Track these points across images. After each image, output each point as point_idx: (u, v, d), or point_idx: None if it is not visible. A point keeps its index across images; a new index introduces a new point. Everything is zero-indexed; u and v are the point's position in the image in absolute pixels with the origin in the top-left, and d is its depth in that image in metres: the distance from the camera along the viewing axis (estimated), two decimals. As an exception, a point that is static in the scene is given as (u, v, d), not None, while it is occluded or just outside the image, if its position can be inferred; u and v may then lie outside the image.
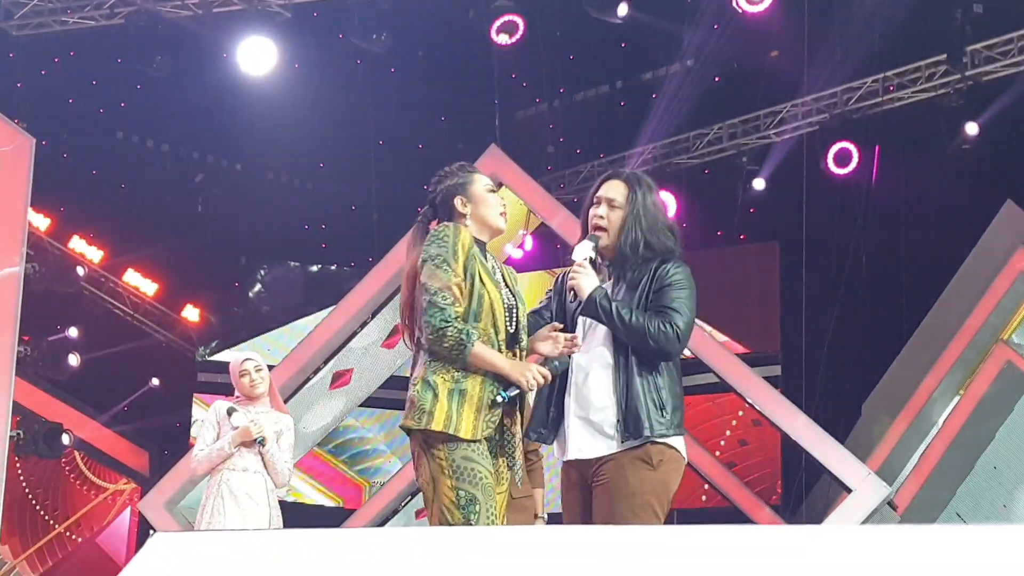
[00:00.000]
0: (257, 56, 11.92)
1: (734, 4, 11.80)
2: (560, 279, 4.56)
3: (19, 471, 13.99)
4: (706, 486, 11.20)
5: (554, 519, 5.96)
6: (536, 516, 6.83)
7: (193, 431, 14.11)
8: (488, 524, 4.00)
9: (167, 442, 14.22)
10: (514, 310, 4.23)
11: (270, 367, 7.13)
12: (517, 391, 4.11)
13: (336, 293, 11.13)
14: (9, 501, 11.20)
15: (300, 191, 15.73)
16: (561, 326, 4.34)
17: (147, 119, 14.29)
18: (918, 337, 11.44)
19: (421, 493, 4.17)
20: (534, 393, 4.25)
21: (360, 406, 10.83)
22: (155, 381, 14.88)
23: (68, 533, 14.59)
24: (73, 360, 13.21)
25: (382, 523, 9.95)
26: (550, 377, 4.17)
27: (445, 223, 4.21)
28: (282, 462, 6.60)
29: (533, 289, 12.18)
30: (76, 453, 14.34)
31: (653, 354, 4.29)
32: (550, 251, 13.39)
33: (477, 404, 4.07)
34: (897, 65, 12.43)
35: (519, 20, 12.65)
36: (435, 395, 4.05)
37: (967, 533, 3.18)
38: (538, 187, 10.14)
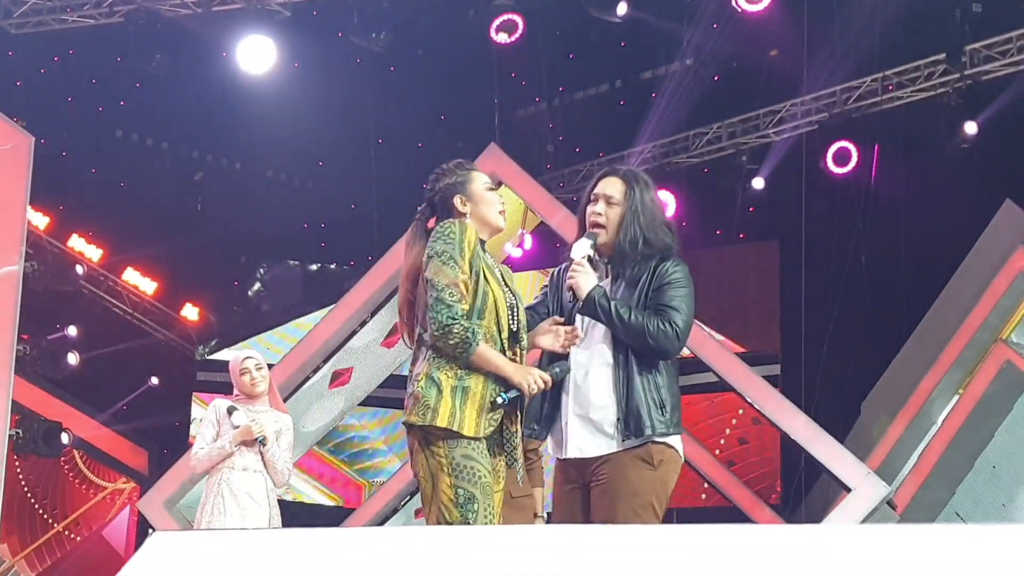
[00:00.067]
0: (257, 55, 11.92)
1: (733, 3, 11.79)
2: (555, 275, 4.55)
3: (18, 470, 14.00)
4: (706, 485, 11.20)
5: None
6: (536, 515, 6.83)
7: (192, 430, 14.10)
8: (486, 523, 4.00)
9: (166, 441, 14.22)
10: (515, 309, 4.22)
11: (269, 366, 7.12)
12: (517, 394, 4.11)
13: (335, 292, 11.14)
14: (8, 500, 11.20)
15: (300, 190, 15.73)
16: (562, 319, 4.33)
17: (146, 118, 14.29)
18: (917, 336, 11.45)
19: (420, 491, 4.16)
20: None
21: (360, 405, 10.83)
22: (154, 380, 14.87)
23: (67, 532, 14.59)
24: (72, 359, 13.20)
25: (381, 522, 9.94)
26: (551, 383, 4.17)
27: (450, 220, 4.18)
28: (282, 461, 6.60)
29: (531, 288, 12.18)
30: (75, 452, 14.34)
31: (652, 353, 4.28)
32: (550, 250, 13.39)
33: (480, 402, 4.07)
34: (896, 64, 12.43)
35: (519, 19, 12.64)
36: (439, 391, 4.04)
37: (966, 532, 3.17)
38: (538, 186, 10.14)
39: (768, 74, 13.01)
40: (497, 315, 4.15)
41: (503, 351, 4.14)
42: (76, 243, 14.10)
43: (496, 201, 4.32)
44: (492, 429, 4.10)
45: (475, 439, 4.05)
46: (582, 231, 4.47)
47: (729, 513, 10.59)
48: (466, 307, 4.08)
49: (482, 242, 4.26)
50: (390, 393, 9.70)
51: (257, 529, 6.12)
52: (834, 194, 12.31)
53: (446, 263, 4.07)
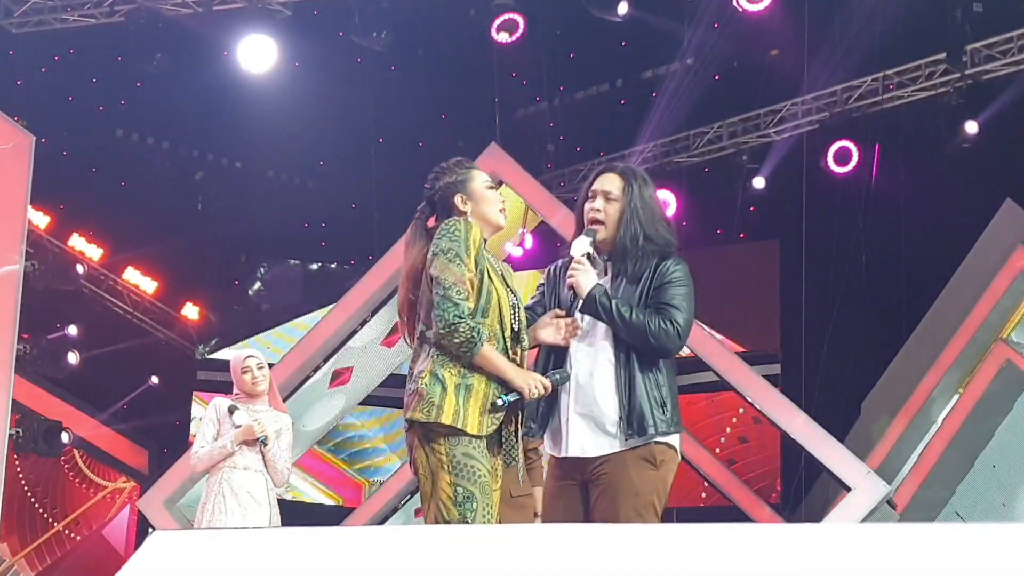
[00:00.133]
0: (257, 54, 11.92)
1: (734, 3, 11.79)
2: (552, 271, 4.53)
3: (18, 469, 14.00)
4: (706, 484, 11.21)
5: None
6: (536, 515, 6.82)
7: (192, 429, 14.10)
8: (484, 522, 4.00)
9: (166, 440, 14.22)
10: (516, 309, 4.22)
11: (270, 365, 7.12)
12: (517, 397, 4.11)
13: (336, 291, 11.14)
14: (8, 499, 11.21)
15: (300, 189, 15.73)
16: (563, 312, 4.32)
17: (147, 117, 14.29)
18: (917, 336, 11.45)
19: (419, 489, 4.15)
20: None
21: (360, 404, 10.83)
22: (155, 379, 14.87)
23: (67, 531, 14.59)
24: (72, 358, 13.19)
25: (381, 521, 9.95)
26: (550, 390, 4.17)
27: (454, 218, 4.17)
28: (282, 461, 6.60)
29: (532, 288, 12.17)
30: (75, 451, 14.34)
31: (653, 352, 4.28)
32: (550, 249, 13.38)
33: (483, 400, 4.07)
34: (897, 64, 12.42)
35: (519, 18, 12.64)
36: (443, 388, 4.04)
37: (966, 532, 3.17)
38: (538, 185, 10.15)
39: (769, 73, 13.01)
40: (500, 314, 4.15)
41: (505, 350, 4.14)
42: (76, 242, 14.10)
43: (497, 199, 4.32)
44: (494, 428, 4.10)
45: (477, 437, 4.05)
46: (580, 228, 4.46)
47: (729, 512, 10.59)
48: (472, 305, 4.07)
49: (484, 241, 4.26)
50: (390, 392, 9.69)
51: (256, 528, 6.12)
52: (834, 194, 12.31)
53: (452, 260, 4.06)
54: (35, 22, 12.07)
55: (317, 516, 14.19)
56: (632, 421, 4.22)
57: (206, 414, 6.76)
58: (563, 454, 4.34)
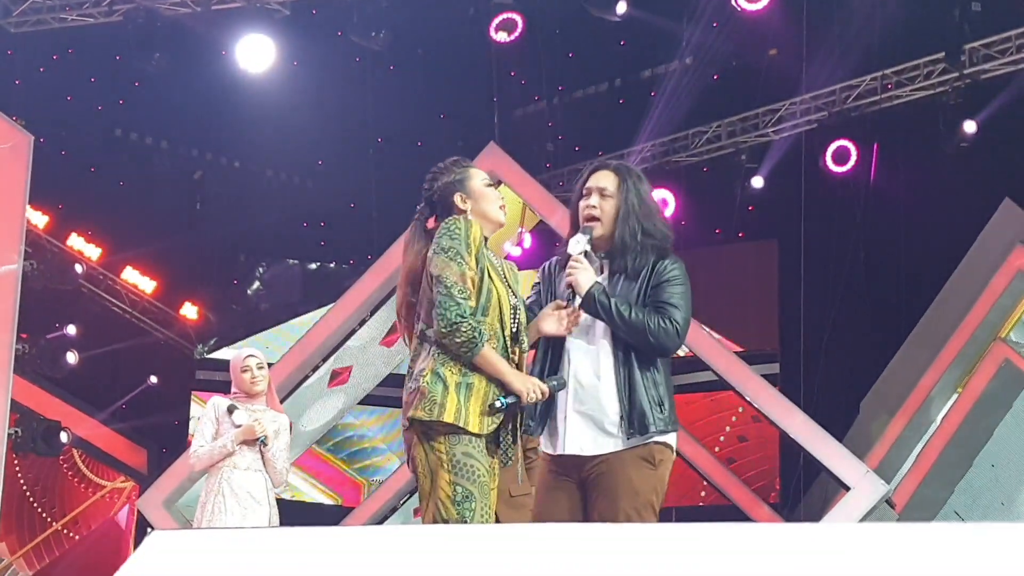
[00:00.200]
0: (256, 53, 11.92)
1: (733, 2, 11.80)
2: (547, 268, 4.52)
3: (17, 469, 13.98)
4: (705, 483, 11.21)
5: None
6: (534, 514, 6.82)
7: (191, 428, 14.09)
8: (482, 522, 3.99)
9: (165, 440, 14.21)
10: (517, 310, 4.21)
11: (269, 365, 7.12)
12: (515, 400, 4.10)
13: (335, 291, 11.15)
14: (7, 499, 11.19)
15: (299, 189, 15.72)
16: (564, 304, 4.30)
17: (145, 116, 14.28)
18: (916, 335, 11.45)
19: (417, 487, 4.15)
20: None
21: (358, 404, 10.83)
22: (153, 379, 14.86)
23: (65, 531, 14.58)
24: (71, 358, 13.18)
25: (380, 521, 9.95)
26: (548, 395, 4.16)
27: (455, 216, 4.16)
28: (281, 461, 6.60)
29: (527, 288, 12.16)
30: (74, 451, 14.33)
31: (652, 350, 4.27)
32: (549, 249, 13.37)
33: (483, 399, 4.06)
34: (896, 63, 12.42)
35: (518, 18, 12.65)
36: (445, 387, 4.03)
37: (965, 531, 3.18)
38: (537, 185, 10.16)
39: (767, 73, 13.01)
40: (500, 313, 4.14)
41: (505, 349, 4.13)
42: (75, 242, 14.09)
43: (496, 197, 4.31)
44: (494, 428, 4.10)
45: (477, 436, 4.05)
46: (575, 227, 4.43)
47: (728, 512, 10.60)
48: (473, 304, 4.07)
49: (485, 239, 4.25)
50: (389, 392, 9.70)
51: (255, 528, 6.12)
52: (833, 193, 12.31)
53: (453, 259, 4.05)
54: (33, 21, 12.07)
55: (316, 516, 14.18)
56: (632, 420, 4.22)
57: (205, 413, 6.75)
58: (559, 452, 4.33)
